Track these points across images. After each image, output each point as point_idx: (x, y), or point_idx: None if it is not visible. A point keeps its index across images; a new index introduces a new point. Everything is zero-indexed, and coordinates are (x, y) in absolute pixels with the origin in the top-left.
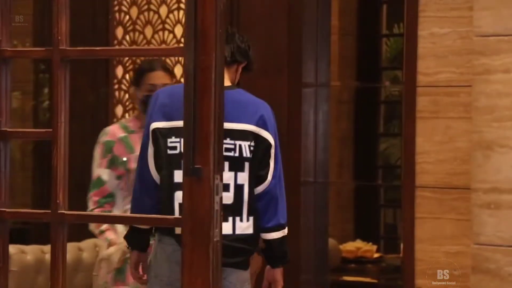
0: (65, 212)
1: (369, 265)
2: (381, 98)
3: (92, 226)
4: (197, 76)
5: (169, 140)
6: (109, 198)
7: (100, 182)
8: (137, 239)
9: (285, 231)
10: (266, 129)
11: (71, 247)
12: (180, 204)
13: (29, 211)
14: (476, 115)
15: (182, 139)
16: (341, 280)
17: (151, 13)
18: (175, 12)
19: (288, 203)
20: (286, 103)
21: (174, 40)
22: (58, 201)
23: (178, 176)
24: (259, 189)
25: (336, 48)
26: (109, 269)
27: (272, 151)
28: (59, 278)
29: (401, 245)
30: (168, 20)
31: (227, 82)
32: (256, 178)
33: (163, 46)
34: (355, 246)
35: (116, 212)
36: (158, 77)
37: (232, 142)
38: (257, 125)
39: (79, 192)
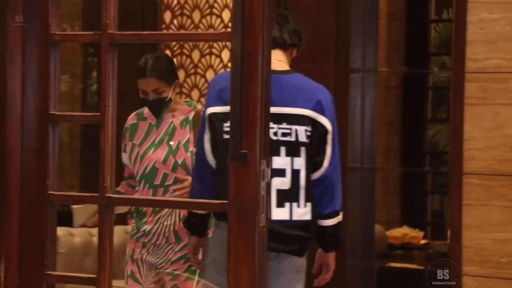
0: (112, 195)
1: (416, 252)
2: (429, 84)
3: None
4: (244, 61)
5: (225, 124)
6: (129, 178)
7: (122, 164)
8: (195, 224)
9: (339, 218)
10: (323, 114)
11: (118, 230)
12: None
13: (77, 194)
14: None
15: None
16: (388, 266)
17: None
18: None
19: None
20: (333, 89)
21: (222, 25)
22: (105, 185)
23: None
24: (316, 175)
25: (384, 33)
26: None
27: (329, 137)
28: (106, 261)
29: (448, 232)
30: (215, 5)
31: (285, 66)
32: (312, 164)
33: (211, 31)
34: (402, 232)
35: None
36: (148, 83)
37: (288, 126)
38: (314, 110)
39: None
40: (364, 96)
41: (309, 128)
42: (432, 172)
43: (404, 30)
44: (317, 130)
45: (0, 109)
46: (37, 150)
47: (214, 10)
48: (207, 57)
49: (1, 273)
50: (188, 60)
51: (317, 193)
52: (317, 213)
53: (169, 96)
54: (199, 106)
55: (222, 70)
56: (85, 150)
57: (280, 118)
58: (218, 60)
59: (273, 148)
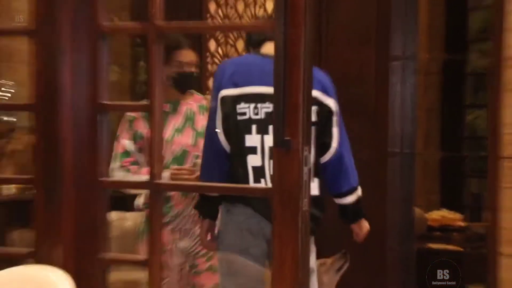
0: (161, 182)
1: (454, 234)
2: (469, 70)
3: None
4: (286, 49)
5: (238, 106)
6: (135, 164)
7: (127, 153)
8: (208, 208)
9: (358, 193)
10: (329, 95)
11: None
12: (253, 168)
13: (128, 181)
14: None
15: (251, 105)
16: (427, 248)
17: None
18: None
19: (375, 173)
20: (374, 75)
21: (265, 14)
22: (154, 172)
23: (249, 140)
24: (326, 157)
25: (425, 20)
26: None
27: (335, 118)
28: (157, 243)
29: (486, 214)
30: None
31: None
32: (321, 146)
33: (254, 20)
34: (441, 215)
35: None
36: (186, 54)
37: None
38: (321, 90)
39: None
40: (404, 83)
41: (317, 109)
42: (470, 157)
43: (444, 17)
44: (324, 111)
45: (52, 99)
46: (88, 138)
47: (258, 0)
48: None
49: (60, 254)
50: (233, 49)
51: (331, 174)
52: (335, 193)
53: (196, 74)
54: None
55: None
56: None
57: None
58: None
59: None
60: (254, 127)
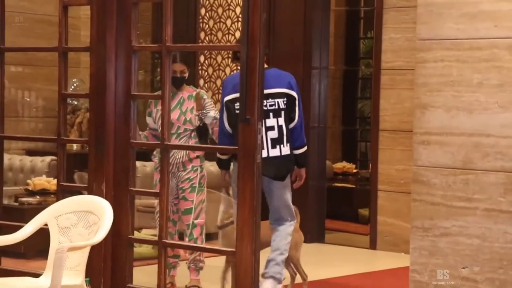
0: (169, 143)
1: (350, 177)
2: (359, 76)
3: None
4: (248, 62)
5: (235, 105)
6: (154, 130)
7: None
8: (223, 163)
9: (305, 148)
10: (292, 89)
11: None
12: None
13: (147, 142)
14: (417, 87)
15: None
16: (333, 186)
17: (221, 23)
18: (236, 23)
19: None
20: (302, 79)
21: (235, 16)
22: (165, 136)
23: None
24: (292, 125)
25: (333, 44)
26: None
27: (296, 102)
28: (165, 182)
29: (370, 165)
30: (231, 28)
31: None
32: (290, 119)
33: (227, 43)
34: (342, 165)
35: None
36: (176, 66)
37: (272, 100)
38: (288, 87)
39: None
40: (320, 84)
41: (285, 99)
42: (360, 129)
43: (344, 43)
44: (290, 99)
45: (102, 91)
46: (124, 115)
47: (231, 4)
48: (227, 59)
49: (104, 188)
50: (214, 61)
51: (294, 135)
52: (295, 147)
53: (183, 77)
54: (198, 89)
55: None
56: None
57: (268, 96)
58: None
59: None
60: None
